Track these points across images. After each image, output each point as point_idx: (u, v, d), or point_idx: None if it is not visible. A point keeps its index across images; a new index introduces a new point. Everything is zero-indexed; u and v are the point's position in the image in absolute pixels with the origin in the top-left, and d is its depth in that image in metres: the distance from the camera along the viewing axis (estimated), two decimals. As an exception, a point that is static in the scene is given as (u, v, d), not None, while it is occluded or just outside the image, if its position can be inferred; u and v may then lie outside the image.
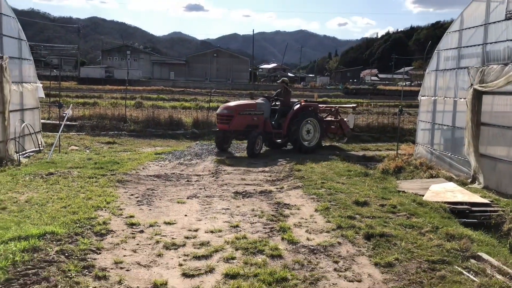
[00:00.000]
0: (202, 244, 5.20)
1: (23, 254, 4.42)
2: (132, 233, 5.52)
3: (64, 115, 14.23)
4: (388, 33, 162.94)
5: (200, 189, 8.32)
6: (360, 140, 17.26)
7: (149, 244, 5.18)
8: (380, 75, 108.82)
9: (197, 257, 4.80)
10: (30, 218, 5.68)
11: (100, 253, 4.80)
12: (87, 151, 12.87)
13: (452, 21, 11.28)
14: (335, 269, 4.60)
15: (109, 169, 9.33)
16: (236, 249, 5.03)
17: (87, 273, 4.27)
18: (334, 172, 9.78)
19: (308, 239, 5.44)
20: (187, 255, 4.85)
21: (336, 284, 4.29)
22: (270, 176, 9.80)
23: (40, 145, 12.18)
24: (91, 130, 16.95)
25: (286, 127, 13.21)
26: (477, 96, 9.05)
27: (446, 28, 11.83)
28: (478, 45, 9.56)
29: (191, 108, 23.76)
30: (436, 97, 11.50)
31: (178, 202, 7.20)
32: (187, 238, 5.41)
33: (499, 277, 4.35)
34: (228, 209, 6.83)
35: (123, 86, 34.73)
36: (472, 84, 9.11)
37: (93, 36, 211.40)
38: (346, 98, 45.23)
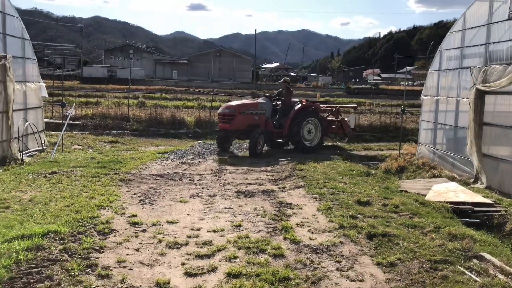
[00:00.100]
0: (205, 243, 5.22)
1: (26, 252, 4.45)
2: (135, 232, 5.54)
3: (67, 114, 14.28)
4: (390, 33, 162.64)
5: (202, 188, 8.34)
6: (363, 140, 17.25)
7: (152, 243, 5.20)
8: (383, 75, 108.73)
9: (200, 256, 4.81)
10: (33, 217, 5.71)
11: (103, 252, 4.83)
12: (90, 150, 12.91)
13: (455, 20, 11.26)
14: (337, 269, 4.61)
15: (112, 168, 9.36)
16: (239, 249, 5.05)
17: (90, 272, 4.30)
18: (336, 171, 9.79)
19: (310, 238, 5.46)
20: (190, 254, 4.87)
21: (338, 283, 4.30)
22: (272, 175, 9.81)
23: (43, 144, 12.22)
24: (94, 129, 16.99)
25: (288, 127, 13.21)
26: (480, 96, 9.04)
27: (449, 27, 11.82)
28: (481, 45, 9.54)
29: (193, 108, 23.79)
30: (439, 97, 11.48)
31: (181, 201, 7.22)
32: (189, 237, 5.43)
33: (502, 277, 4.35)
34: (230, 208, 6.85)
35: (125, 86, 34.85)
36: (474, 84, 9.09)
37: (96, 35, 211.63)
38: (349, 97, 45.17)
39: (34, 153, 11.26)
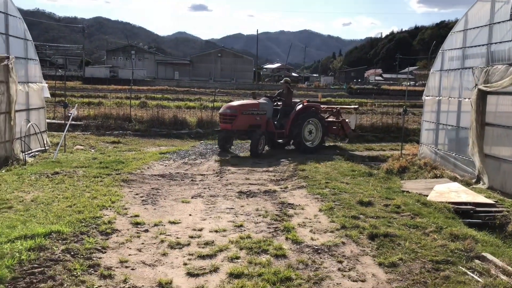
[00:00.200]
0: (207, 243, 5.23)
1: (29, 252, 4.47)
2: (137, 232, 5.55)
3: (69, 114, 14.31)
4: (392, 33, 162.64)
5: (204, 188, 8.35)
6: (364, 140, 17.24)
7: (154, 243, 5.21)
8: (385, 75, 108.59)
9: (202, 257, 4.82)
10: (36, 217, 5.73)
11: (105, 252, 4.84)
12: (92, 150, 12.94)
13: (457, 21, 11.25)
14: (339, 269, 4.61)
15: (114, 169, 9.38)
16: (241, 249, 5.05)
17: (92, 272, 4.31)
18: (338, 172, 9.79)
19: (312, 239, 5.46)
20: (192, 255, 4.88)
21: (340, 284, 4.30)
22: (274, 175, 9.82)
23: (45, 145, 12.26)
24: (96, 130, 17.02)
25: (289, 127, 13.22)
26: (482, 96, 9.03)
27: (450, 28, 11.79)
28: (483, 45, 9.53)
29: (195, 108, 23.80)
30: (441, 97, 11.47)
31: (183, 202, 7.23)
32: (191, 237, 5.44)
33: (504, 277, 4.35)
34: (232, 208, 6.86)
35: (127, 86, 34.86)
36: (476, 84, 9.09)
37: (98, 36, 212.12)
38: (350, 98, 45.14)
39: (36, 153, 11.30)
